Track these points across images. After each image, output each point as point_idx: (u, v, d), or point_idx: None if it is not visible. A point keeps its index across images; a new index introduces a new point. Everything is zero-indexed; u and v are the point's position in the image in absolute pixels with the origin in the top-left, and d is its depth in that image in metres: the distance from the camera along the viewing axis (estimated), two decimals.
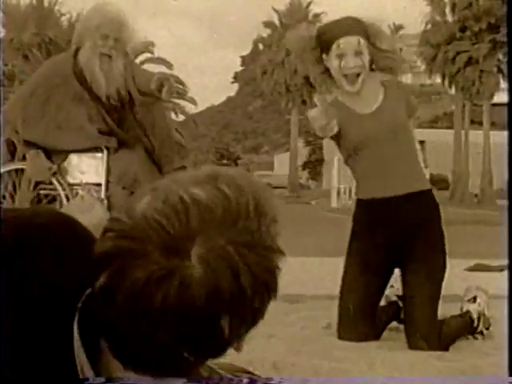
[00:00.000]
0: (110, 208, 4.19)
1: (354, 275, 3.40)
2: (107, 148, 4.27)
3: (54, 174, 4.33)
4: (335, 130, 3.17)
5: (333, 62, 3.29)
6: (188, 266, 0.82)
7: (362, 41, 3.28)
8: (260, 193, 0.91)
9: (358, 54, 3.26)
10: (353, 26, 3.32)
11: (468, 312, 3.51)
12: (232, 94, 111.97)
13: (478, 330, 3.50)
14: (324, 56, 3.33)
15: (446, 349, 3.27)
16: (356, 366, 2.89)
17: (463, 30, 35.72)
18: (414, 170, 3.38)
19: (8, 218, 0.97)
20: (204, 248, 0.82)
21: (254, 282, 0.85)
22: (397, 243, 3.30)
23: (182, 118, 34.14)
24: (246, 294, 0.84)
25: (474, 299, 3.56)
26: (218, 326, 0.84)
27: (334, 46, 3.26)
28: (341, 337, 3.39)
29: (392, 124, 3.33)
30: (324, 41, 3.31)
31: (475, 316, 3.50)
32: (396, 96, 3.39)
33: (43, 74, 4.46)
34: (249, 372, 1.07)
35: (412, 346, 3.27)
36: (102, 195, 4.26)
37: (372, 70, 3.38)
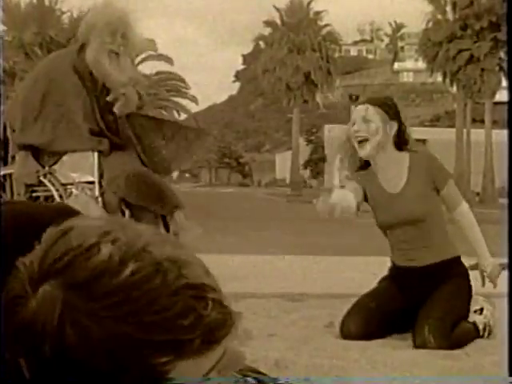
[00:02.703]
0: (104, 206, 4.19)
1: (383, 285, 3.65)
2: (99, 150, 4.26)
3: (45, 175, 4.31)
4: (352, 211, 3.36)
5: (350, 130, 3.57)
6: (30, 296, 0.74)
7: (371, 108, 3.49)
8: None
9: (366, 120, 3.48)
10: (374, 98, 3.68)
11: (474, 322, 3.52)
12: (233, 92, 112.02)
13: (482, 338, 3.53)
14: None
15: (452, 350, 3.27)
16: (358, 364, 2.89)
17: (464, 28, 35.70)
18: (440, 243, 3.56)
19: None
20: (50, 287, 0.73)
21: (56, 346, 0.72)
22: (418, 296, 3.48)
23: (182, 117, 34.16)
24: (43, 351, 0.72)
25: (481, 311, 3.57)
26: (18, 363, 0.75)
27: (352, 114, 3.59)
28: (345, 332, 3.43)
29: (417, 208, 3.52)
30: None
31: (481, 327, 3.51)
32: (422, 169, 3.53)
33: (44, 68, 4.45)
34: (257, 371, 1.06)
35: (418, 342, 3.26)
36: (96, 193, 4.25)
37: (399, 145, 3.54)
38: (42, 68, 4.48)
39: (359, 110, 3.51)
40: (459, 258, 3.59)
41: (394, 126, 3.49)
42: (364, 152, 3.48)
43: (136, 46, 4.42)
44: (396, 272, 3.65)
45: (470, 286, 3.54)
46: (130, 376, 0.70)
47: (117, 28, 4.14)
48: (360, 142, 3.49)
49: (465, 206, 3.59)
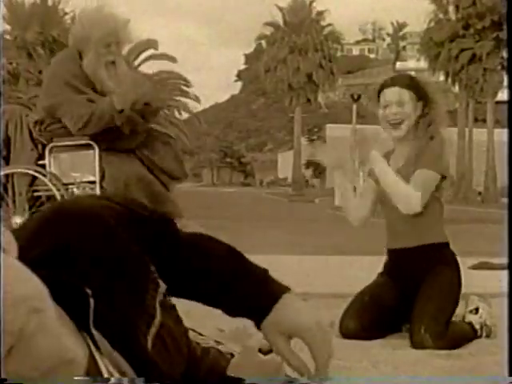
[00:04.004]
0: None
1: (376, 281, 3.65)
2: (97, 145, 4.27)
3: (44, 175, 4.32)
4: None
5: (380, 112, 3.55)
6: None
7: (405, 91, 3.51)
8: None
9: (401, 103, 3.50)
10: (399, 78, 3.63)
11: (470, 323, 3.52)
12: (235, 92, 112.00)
13: (481, 338, 3.52)
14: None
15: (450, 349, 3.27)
16: (360, 364, 2.89)
17: (466, 27, 35.68)
18: (425, 226, 3.53)
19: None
20: None
21: None
22: (410, 286, 3.47)
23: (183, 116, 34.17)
24: None
25: (476, 310, 3.56)
26: None
27: (381, 97, 3.55)
28: (343, 328, 3.43)
29: None
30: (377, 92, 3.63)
31: (478, 327, 3.51)
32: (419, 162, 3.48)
33: (53, 71, 4.47)
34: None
35: (415, 342, 3.26)
36: (97, 192, 4.27)
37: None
38: (52, 71, 4.50)
39: (392, 94, 3.52)
40: (446, 244, 3.57)
41: (419, 107, 3.52)
42: (399, 133, 3.52)
43: (133, 46, 4.46)
44: (388, 257, 3.67)
45: (459, 277, 3.51)
46: None
47: (111, 40, 4.17)
48: (394, 124, 3.52)
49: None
